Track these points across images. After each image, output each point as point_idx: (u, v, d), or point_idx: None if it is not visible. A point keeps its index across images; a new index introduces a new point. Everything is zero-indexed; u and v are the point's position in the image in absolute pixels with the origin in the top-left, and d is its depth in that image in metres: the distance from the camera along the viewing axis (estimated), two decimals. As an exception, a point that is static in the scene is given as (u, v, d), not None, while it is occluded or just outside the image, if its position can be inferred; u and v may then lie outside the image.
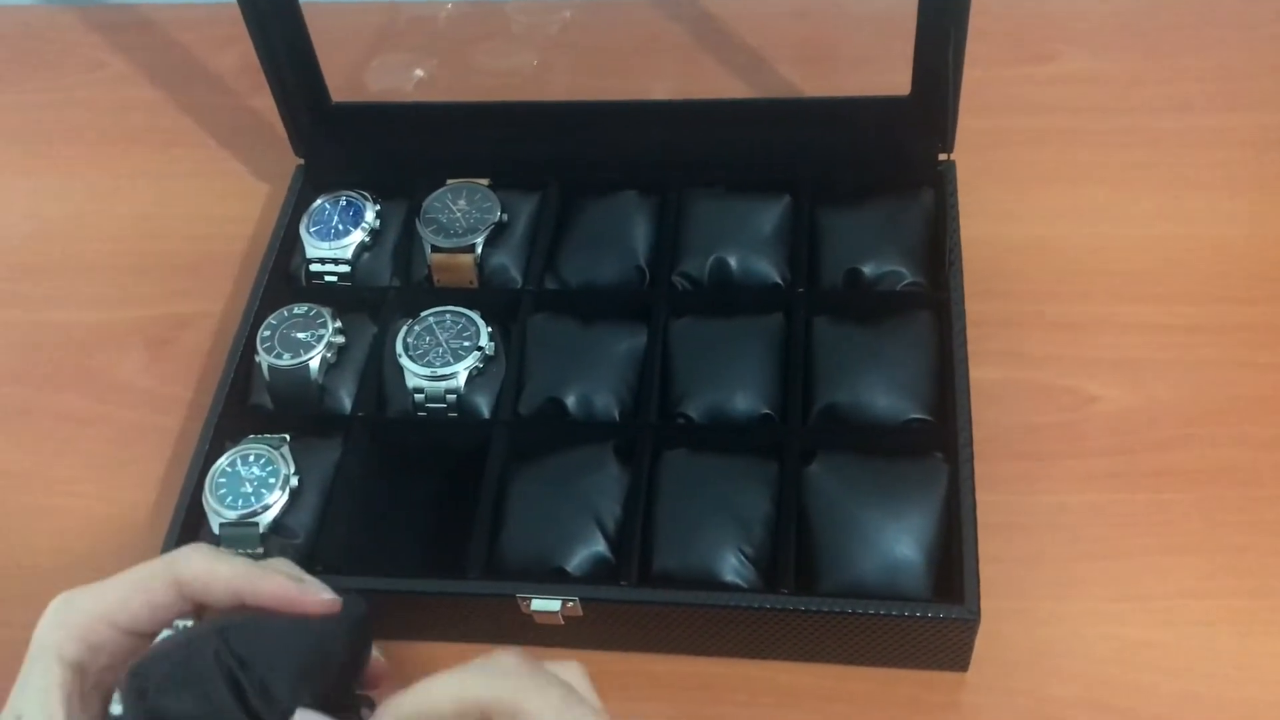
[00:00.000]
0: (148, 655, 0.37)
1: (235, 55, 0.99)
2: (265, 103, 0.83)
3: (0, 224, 0.92)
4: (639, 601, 0.62)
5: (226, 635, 0.37)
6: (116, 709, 0.37)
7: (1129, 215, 0.81)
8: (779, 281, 0.75)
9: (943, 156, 0.77)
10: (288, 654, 0.37)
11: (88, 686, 0.38)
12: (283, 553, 0.66)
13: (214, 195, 0.91)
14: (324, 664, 0.38)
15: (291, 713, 0.37)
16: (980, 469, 0.65)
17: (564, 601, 0.62)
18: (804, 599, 0.61)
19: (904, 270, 0.74)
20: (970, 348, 0.69)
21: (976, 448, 0.65)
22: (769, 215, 0.77)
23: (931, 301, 0.72)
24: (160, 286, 0.86)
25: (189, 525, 0.68)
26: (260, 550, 0.66)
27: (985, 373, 0.72)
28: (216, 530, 0.66)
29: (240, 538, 0.66)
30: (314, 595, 0.39)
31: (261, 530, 0.66)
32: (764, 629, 0.63)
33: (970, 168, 0.78)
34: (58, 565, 0.73)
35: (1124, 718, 0.62)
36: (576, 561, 0.65)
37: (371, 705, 0.40)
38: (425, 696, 0.37)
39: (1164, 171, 0.83)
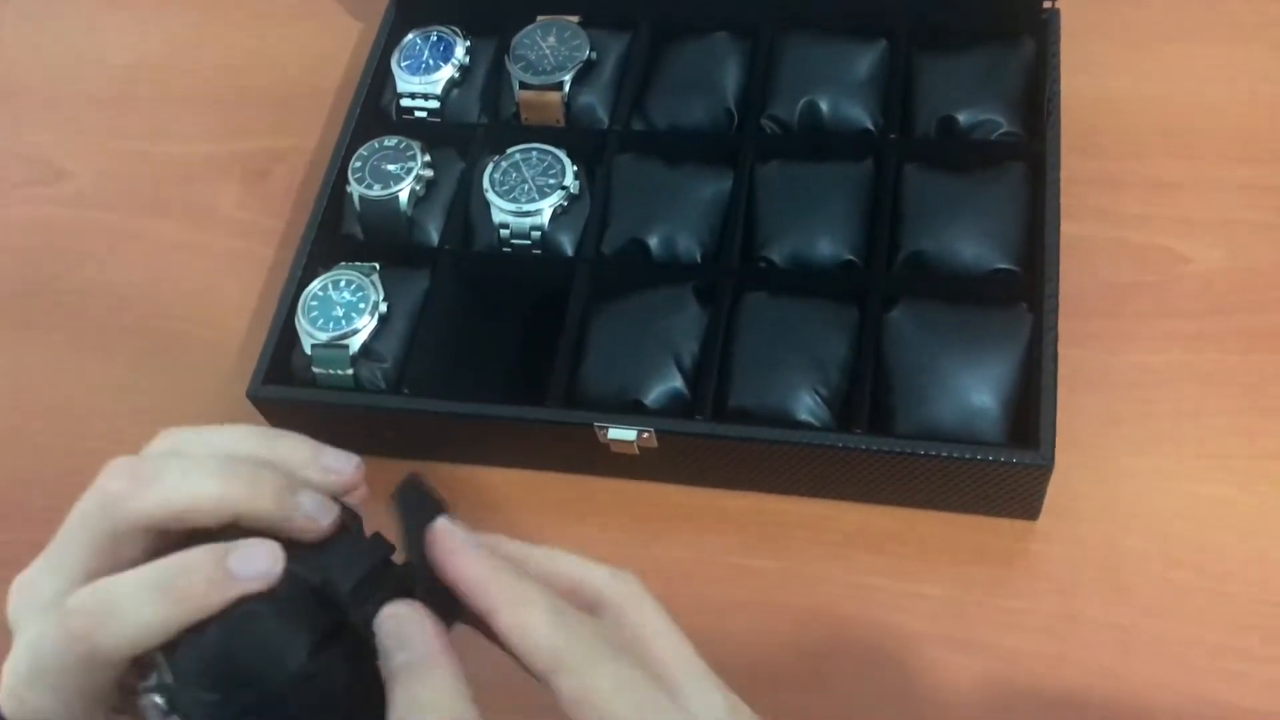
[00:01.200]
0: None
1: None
2: (360, -63, 0.84)
3: (102, 56, 0.94)
4: (713, 436, 0.64)
5: (291, 570, 0.36)
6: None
7: (1234, 74, 0.77)
8: (870, 128, 0.74)
9: (1047, 4, 0.74)
10: (350, 566, 0.37)
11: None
12: (371, 375, 0.68)
13: (308, 31, 0.91)
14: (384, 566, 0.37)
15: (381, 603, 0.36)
16: (1065, 325, 0.64)
17: (640, 432, 0.63)
18: (877, 439, 0.62)
19: (1000, 120, 0.72)
20: (1063, 202, 0.67)
21: (1063, 303, 0.64)
22: (864, 59, 0.75)
23: (1026, 153, 0.71)
24: (257, 121, 0.88)
25: (282, 346, 0.70)
26: (350, 371, 0.68)
27: (1077, 228, 0.71)
28: (308, 350, 0.69)
29: (330, 359, 0.68)
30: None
31: (351, 352, 0.68)
32: (835, 468, 0.64)
33: (1075, 18, 0.75)
34: (156, 385, 0.77)
35: (1192, 573, 0.62)
36: (654, 396, 0.66)
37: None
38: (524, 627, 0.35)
39: (1275, 31, 0.79)
